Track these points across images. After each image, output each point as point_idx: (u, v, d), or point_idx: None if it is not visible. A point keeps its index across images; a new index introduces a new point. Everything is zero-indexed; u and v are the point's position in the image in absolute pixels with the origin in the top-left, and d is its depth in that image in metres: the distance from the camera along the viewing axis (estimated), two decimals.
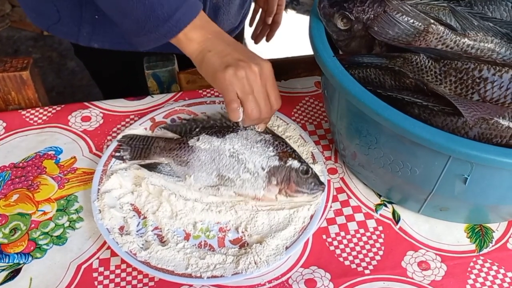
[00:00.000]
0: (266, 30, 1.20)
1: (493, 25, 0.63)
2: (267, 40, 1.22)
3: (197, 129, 0.76)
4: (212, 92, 0.90)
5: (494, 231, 0.70)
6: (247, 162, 0.70)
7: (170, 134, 0.78)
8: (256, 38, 1.21)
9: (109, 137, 0.82)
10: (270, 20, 1.18)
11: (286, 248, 0.65)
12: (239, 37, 1.15)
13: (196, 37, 0.68)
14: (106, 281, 0.64)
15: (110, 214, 0.67)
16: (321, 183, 0.71)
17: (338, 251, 0.67)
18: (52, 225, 0.70)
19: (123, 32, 0.71)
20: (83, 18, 0.87)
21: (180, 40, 0.69)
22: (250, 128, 0.74)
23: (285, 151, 0.72)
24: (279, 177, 0.70)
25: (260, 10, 1.20)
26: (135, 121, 0.83)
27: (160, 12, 0.65)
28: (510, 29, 0.63)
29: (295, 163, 0.71)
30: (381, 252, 0.67)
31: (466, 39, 0.62)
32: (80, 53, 1.02)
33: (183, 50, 0.70)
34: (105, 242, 0.67)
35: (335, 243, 0.68)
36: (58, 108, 0.86)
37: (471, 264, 0.66)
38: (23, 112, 0.86)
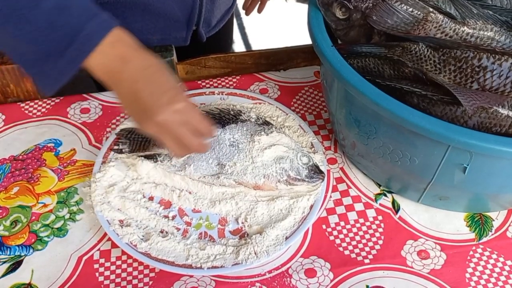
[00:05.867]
0: (256, 1, 1.19)
1: (493, 13, 0.62)
2: (259, 11, 1.20)
3: None
4: (211, 83, 0.90)
5: (493, 220, 0.70)
6: (247, 151, 0.70)
7: None
8: (247, 10, 1.20)
9: (108, 129, 0.82)
10: None
11: (286, 238, 0.65)
12: (231, 18, 1.14)
13: (97, 66, 0.58)
14: (107, 273, 0.64)
15: (110, 206, 0.67)
16: (321, 172, 0.71)
17: (338, 241, 0.68)
18: (52, 217, 0.70)
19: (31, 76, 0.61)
20: None
21: (85, 67, 0.59)
22: (249, 120, 0.73)
23: None
24: None
25: None
26: None
27: (53, 48, 0.57)
28: (510, 16, 0.63)
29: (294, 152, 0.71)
30: (380, 242, 0.68)
31: (465, 28, 0.62)
32: None
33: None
34: (105, 234, 0.67)
35: (335, 233, 0.69)
36: (57, 100, 0.86)
37: (471, 252, 0.67)
38: (22, 105, 0.86)
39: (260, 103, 0.84)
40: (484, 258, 0.66)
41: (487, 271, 0.65)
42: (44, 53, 0.58)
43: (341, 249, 0.67)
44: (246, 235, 0.67)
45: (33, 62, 0.59)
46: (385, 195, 0.73)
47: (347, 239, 0.68)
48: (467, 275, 0.64)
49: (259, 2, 1.19)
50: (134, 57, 0.59)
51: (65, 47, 0.56)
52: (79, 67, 0.58)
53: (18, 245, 0.67)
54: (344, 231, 0.69)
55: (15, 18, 0.56)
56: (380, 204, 0.72)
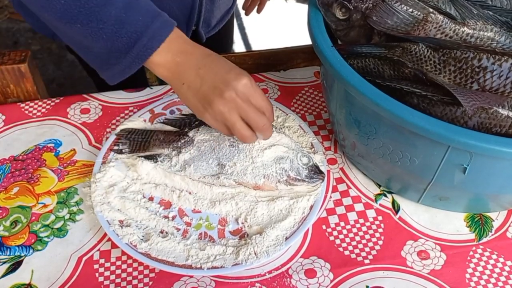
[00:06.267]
0: (256, 2, 1.19)
1: (493, 14, 0.62)
2: (258, 12, 1.21)
3: (196, 122, 0.76)
4: None
5: (493, 220, 0.70)
6: (247, 151, 0.71)
7: (168, 128, 0.78)
8: (246, 10, 1.21)
9: (108, 129, 0.82)
10: None
11: (286, 238, 0.65)
12: (231, 19, 1.15)
13: (163, 62, 0.64)
14: (107, 273, 0.64)
15: (110, 206, 0.67)
16: (321, 172, 0.71)
17: (337, 241, 0.68)
18: (52, 217, 0.70)
19: (94, 67, 0.67)
20: None
21: (147, 65, 0.65)
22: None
23: None
24: None
25: None
26: (134, 113, 0.83)
27: (120, 44, 0.61)
28: (509, 17, 0.63)
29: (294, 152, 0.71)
30: (380, 242, 0.68)
31: (465, 28, 0.62)
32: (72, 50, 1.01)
33: (154, 73, 0.66)
34: (105, 234, 0.67)
35: (335, 233, 0.69)
36: (57, 101, 0.86)
37: (471, 253, 0.67)
38: (22, 105, 0.86)
39: None
40: (484, 258, 0.66)
41: (487, 272, 0.65)
42: (112, 49, 0.62)
43: (341, 249, 0.67)
44: (246, 236, 0.67)
45: (99, 57, 0.64)
46: (385, 196, 0.73)
47: (347, 240, 0.68)
48: (467, 276, 0.64)
49: (259, 2, 1.19)
50: (194, 50, 0.65)
51: (132, 44, 0.61)
52: (144, 62, 0.62)
53: (18, 246, 0.67)
54: (344, 232, 0.69)
55: (85, 15, 0.60)
56: (380, 205, 0.72)
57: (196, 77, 0.63)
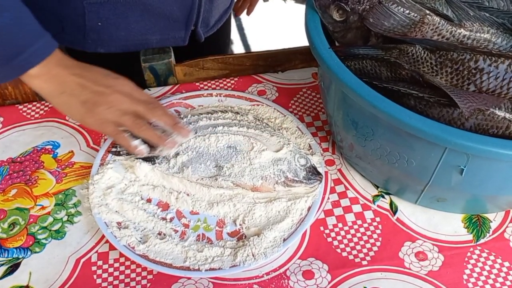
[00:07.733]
0: (247, 3, 1.20)
1: (489, 15, 0.62)
2: (248, 13, 1.22)
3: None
4: (209, 84, 0.90)
5: (491, 221, 0.70)
6: (245, 153, 0.71)
7: None
8: (237, 11, 1.22)
9: None
10: None
11: (284, 240, 0.65)
12: (229, 19, 1.15)
13: (39, 74, 0.66)
14: (105, 275, 0.64)
15: (108, 208, 0.68)
16: (319, 173, 0.71)
17: (335, 243, 0.68)
18: (50, 219, 0.70)
19: None
20: (87, 26, 0.87)
21: (22, 78, 0.67)
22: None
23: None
24: None
25: None
26: None
27: (3, 53, 0.63)
28: (506, 19, 0.63)
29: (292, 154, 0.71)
30: (378, 243, 0.68)
31: (462, 30, 0.62)
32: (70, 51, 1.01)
33: (27, 84, 0.68)
34: (103, 236, 0.67)
35: (333, 234, 0.69)
36: None
37: (468, 254, 0.67)
38: (20, 107, 0.86)
39: (258, 105, 0.84)
40: (482, 259, 0.66)
41: (485, 273, 0.65)
42: None
43: (339, 250, 0.67)
44: (244, 237, 0.67)
45: None
46: (383, 197, 0.73)
47: (345, 241, 0.68)
48: (465, 277, 0.64)
49: (249, 4, 1.19)
50: (70, 63, 0.70)
51: (15, 56, 0.63)
52: (21, 74, 0.65)
53: (16, 248, 0.67)
54: (342, 233, 0.69)
55: None
56: (378, 206, 0.72)
57: (76, 85, 0.68)
